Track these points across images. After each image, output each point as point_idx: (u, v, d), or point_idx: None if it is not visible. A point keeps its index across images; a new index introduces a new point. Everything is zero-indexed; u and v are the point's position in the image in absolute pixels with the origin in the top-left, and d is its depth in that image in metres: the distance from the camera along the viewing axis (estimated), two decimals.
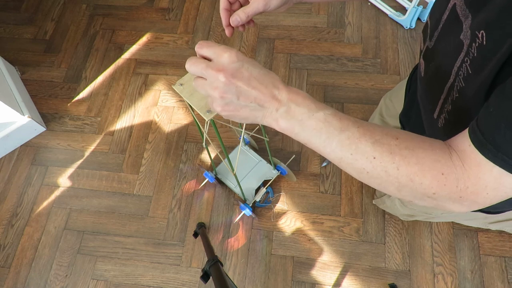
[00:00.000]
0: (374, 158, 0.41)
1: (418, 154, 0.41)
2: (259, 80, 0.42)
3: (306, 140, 0.44)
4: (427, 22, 0.61)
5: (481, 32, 0.42)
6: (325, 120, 0.42)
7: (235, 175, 0.94)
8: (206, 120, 0.63)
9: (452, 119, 0.56)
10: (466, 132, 0.41)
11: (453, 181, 0.40)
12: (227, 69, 0.41)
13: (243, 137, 0.84)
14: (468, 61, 0.46)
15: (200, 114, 0.63)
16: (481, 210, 0.76)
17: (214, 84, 0.42)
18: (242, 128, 0.75)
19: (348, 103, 1.38)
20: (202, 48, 0.44)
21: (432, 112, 0.63)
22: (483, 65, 0.42)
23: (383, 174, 0.42)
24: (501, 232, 1.13)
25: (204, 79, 0.44)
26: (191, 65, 0.44)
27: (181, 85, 0.65)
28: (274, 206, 1.23)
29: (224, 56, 0.42)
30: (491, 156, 0.37)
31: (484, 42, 0.42)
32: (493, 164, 0.37)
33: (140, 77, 1.51)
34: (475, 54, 0.44)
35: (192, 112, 0.73)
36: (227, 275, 0.73)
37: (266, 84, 0.43)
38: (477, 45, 0.43)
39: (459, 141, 0.41)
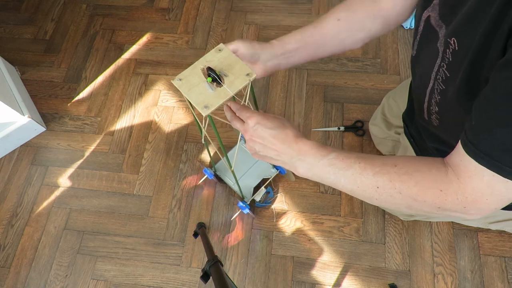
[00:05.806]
0: (378, 187, 0.48)
1: (416, 177, 0.47)
2: (274, 137, 0.56)
3: (321, 180, 0.54)
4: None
5: (452, 39, 0.47)
6: (329, 164, 0.52)
7: (233, 171, 0.94)
8: (203, 115, 0.63)
9: (443, 118, 0.61)
10: (459, 146, 0.45)
11: (452, 194, 0.44)
12: (249, 131, 0.58)
13: (241, 135, 0.85)
14: (445, 66, 0.51)
15: (198, 109, 0.63)
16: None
17: (247, 139, 0.59)
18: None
19: (348, 103, 1.38)
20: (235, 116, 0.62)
21: (421, 114, 0.68)
22: (459, 68, 0.47)
23: (390, 199, 0.49)
24: (501, 232, 1.13)
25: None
26: (234, 124, 0.62)
27: (180, 80, 0.65)
28: (274, 206, 1.23)
29: (248, 122, 0.58)
30: (485, 163, 0.41)
31: (456, 48, 0.47)
32: (484, 171, 0.41)
33: (140, 77, 1.51)
34: (451, 59, 0.49)
35: (191, 108, 0.72)
36: (227, 275, 0.73)
37: (281, 139, 0.56)
38: (451, 50, 0.48)
39: (453, 156, 0.46)
